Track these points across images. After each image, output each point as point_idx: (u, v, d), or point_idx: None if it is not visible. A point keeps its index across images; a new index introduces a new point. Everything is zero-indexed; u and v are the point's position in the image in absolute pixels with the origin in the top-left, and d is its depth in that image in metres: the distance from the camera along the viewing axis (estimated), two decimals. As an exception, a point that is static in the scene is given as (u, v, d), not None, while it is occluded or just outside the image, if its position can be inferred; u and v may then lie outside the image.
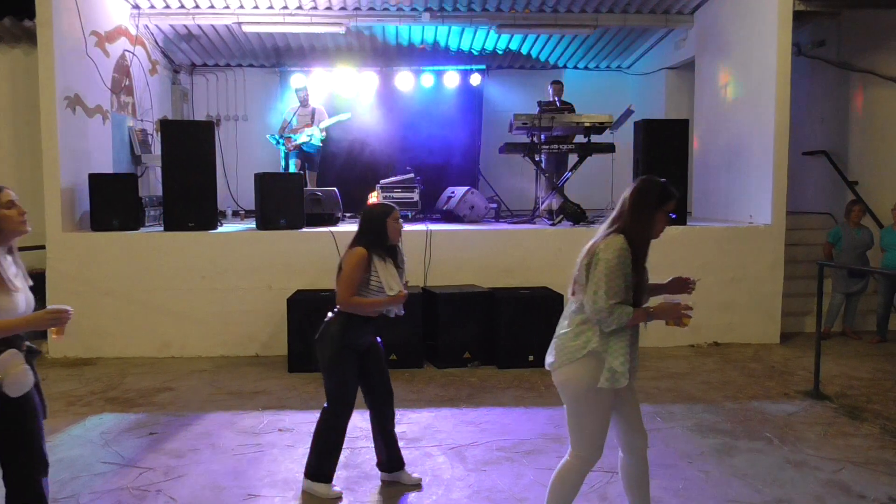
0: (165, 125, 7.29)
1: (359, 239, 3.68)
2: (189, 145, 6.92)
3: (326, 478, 3.73)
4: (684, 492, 3.80)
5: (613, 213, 3.00)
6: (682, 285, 3.12)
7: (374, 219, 3.71)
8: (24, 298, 2.72)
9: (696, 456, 4.30)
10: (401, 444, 3.95)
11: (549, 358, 3.00)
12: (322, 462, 3.72)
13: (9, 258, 2.73)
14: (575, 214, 7.58)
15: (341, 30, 9.09)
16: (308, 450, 3.78)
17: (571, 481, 2.99)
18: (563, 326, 3.00)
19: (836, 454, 4.31)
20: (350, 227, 7.36)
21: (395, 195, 8.26)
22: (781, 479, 3.95)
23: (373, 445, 3.94)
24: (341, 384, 3.67)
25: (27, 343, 2.76)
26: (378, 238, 3.66)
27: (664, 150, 7.27)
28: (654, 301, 2.97)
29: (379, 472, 3.95)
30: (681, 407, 5.24)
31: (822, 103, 9.46)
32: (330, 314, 3.72)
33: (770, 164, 7.37)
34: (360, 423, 4.79)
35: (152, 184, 9.16)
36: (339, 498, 3.71)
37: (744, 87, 8.01)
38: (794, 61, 7.51)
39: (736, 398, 5.48)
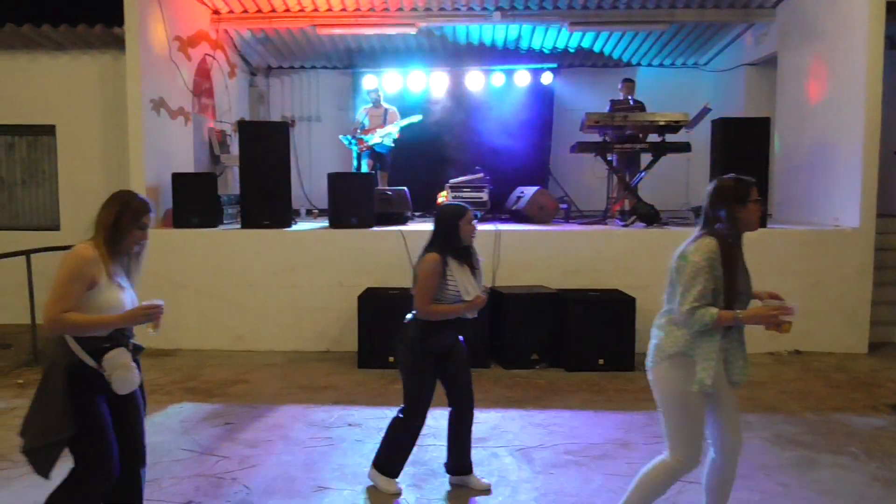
0: (243, 126, 7.52)
1: (432, 242, 3.66)
2: (265, 145, 7.12)
3: (392, 473, 3.76)
4: (762, 505, 3.65)
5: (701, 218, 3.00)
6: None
7: (447, 221, 3.64)
8: (128, 297, 2.90)
9: (774, 468, 4.12)
10: (467, 443, 3.94)
11: (647, 357, 3.01)
12: (390, 458, 3.76)
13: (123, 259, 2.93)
14: (648, 215, 7.39)
15: (412, 30, 9.18)
16: (379, 441, 3.82)
17: (661, 482, 2.95)
18: (658, 327, 2.98)
19: (930, 472, 4.05)
20: (419, 227, 7.42)
21: (464, 195, 8.27)
22: (868, 497, 3.74)
23: (442, 444, 3.94)
24: (418, 388, 3.68)
25: (132, 341, 2.92)
26: (451, 240, 3.62)
27: (743, 149, 7.01)
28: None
29: (444, 472, 3.95)
30: (758, 416, 5.04)
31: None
32: (409, 315, 3.72)
33: (859, 164, 6.99)
34: (430, 421, 4.82)
35: (230, 183, 9.48)
36: (399, 494, 3.74)
37: (831, 83, 7.63)
38: (886, 55, 7.10)
39: (818, 409, 5.22)
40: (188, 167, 8.12)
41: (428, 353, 3.64)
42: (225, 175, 9.28)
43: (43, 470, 2.67)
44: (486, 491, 3.80)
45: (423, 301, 3.58)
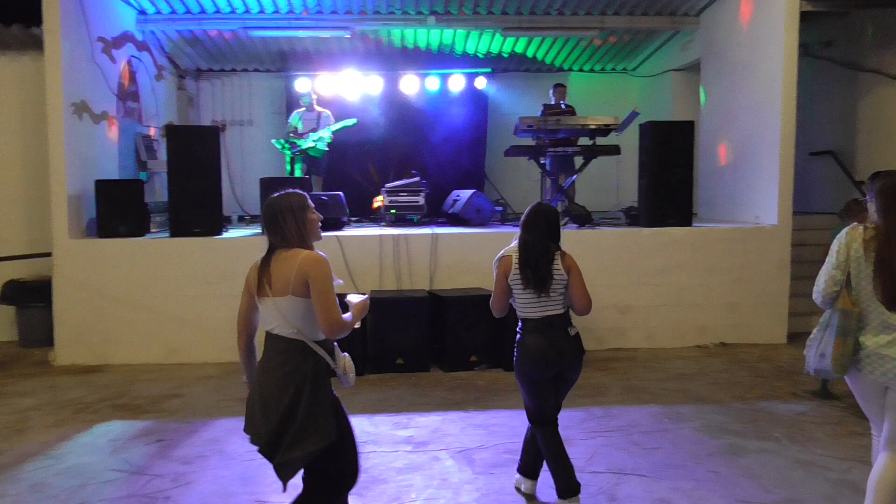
0: (171, 131, 7.32)
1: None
2: (195, 151, 6.94)
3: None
4: (694, 492, 3.78)
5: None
6: None
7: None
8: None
9: (705, 456, 4.28)
10: (408, 448, 3.93)
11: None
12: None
13: None
14: (581, 217, 7.57)
15: (347, 34, 9.13)
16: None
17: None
18: None
19: (846, 454, 4.28)
20: (356, 232, 7.37)
21: (400, 199, 8.26)
22: (791, 480, 3.93)
23: (382, 450, 3.92)
24: None
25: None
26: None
27: (670, 151, 7.25)
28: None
29: (386, 478, 3.93)
30: (689, 408, 5.22)
31: (829, 104, 9.43)
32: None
33: (776, 165, 7.35)
34: (366, 426, 4.79)
35: (158, 190, 9.19)
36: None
37: (750, 88, 7.98)
38: (800, 62, 7.49)
39: (744, 398, 5.45)
40: (113, 174, 7.82)
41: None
42: (152, 182, 8.98)
43: (289, 478, 2.73)
44: None
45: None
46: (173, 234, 6.98)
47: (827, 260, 3.10)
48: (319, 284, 2.66)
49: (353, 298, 2.87)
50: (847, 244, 3.02)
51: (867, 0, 7.48)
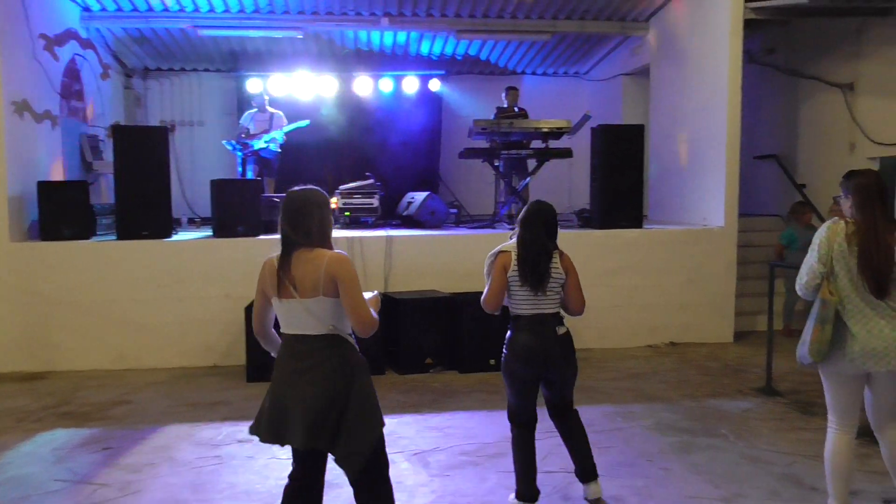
0: (118, 131, 7.14)
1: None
2: (143, 152, 6.77)
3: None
4: (645, 489, 3.86)
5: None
6: None
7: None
8: None
9: (656, 454, 4.37)
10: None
11: None
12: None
13: None
14: (535, 218, 7.64)
15: (299, 34, 9.03)
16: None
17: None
18: None
19: (789, 448, 4.43)
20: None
21: (354, 201, 8.22)
22: (738, 475, 4.05)
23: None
24: None
25: None
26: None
27: (621, 155, 7.39)
28: None
29: (341, 482, 3.89)
30: (641, 406, 5.33)
31: (772, 109, 9.75)
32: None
33: (723, 168, 7.55)
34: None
35: (104, 191, 8.93)
36: None
37: (697, 92, 8.20)
38: (745, 68, 7.72)
39: (693, 396, 5.59)
40: (57, 175, 7.58)
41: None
42: (98, 183, 8.74)
43: (359, 468, 2.74)
44: None
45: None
46: (121, 237, 6.80)
47: (809, 254, 3.26)
48: (348, 284, 2.67)
49: (365, 294, 2.85)
50: (829, 238, 3.19)
51: (807, 9, 7.75)
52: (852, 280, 3.14)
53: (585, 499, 3.69)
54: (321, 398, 2.65)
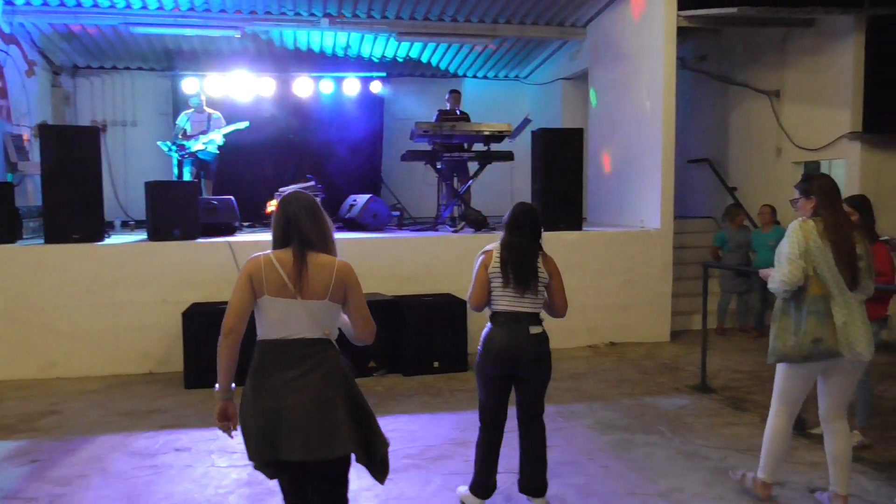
0: (45, 130, 6.84)
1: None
2: (72, 152, 6.51)
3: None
4: (586, 487, 3.93)
5: None
6: None
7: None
8: None
9: (596, 452, 4.46)
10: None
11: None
12: None
13: None
14: (476, 221, 7.71)
15: (236, 33, 8.85)
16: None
17: None
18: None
19: (722, 443, 4.59)
20: (248, 237, 7.16)
21: (296, 203, 8.08)
22: (674, 470, 4.17)
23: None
24: None
25: None
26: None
27: (561, 158, 7.51)
28: None
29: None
30: (581, 406, 5.43)
31: (704, 114, 10.09)
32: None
33: (658, 172, 7.77)
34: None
35: (31, 193, 8.55)
36: None
37: (633, 97, 8.41)
38: (678, 74, 7.97)
39: (632, 395, 5.73)
40: (-22, 176, 7.23)
41: None
42: (24, 184, 8.35)
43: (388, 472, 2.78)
44: None
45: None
46: (48, 241, 6.52)
47: (783, 253, 3.39)
48: (357, 294, 2.70)
49: None
50: (805, 236, 3.35)
51: (736, 19, 8.06)
52: (833, 274, 3.33)
53: None
54: (320, 402, 2.59)
